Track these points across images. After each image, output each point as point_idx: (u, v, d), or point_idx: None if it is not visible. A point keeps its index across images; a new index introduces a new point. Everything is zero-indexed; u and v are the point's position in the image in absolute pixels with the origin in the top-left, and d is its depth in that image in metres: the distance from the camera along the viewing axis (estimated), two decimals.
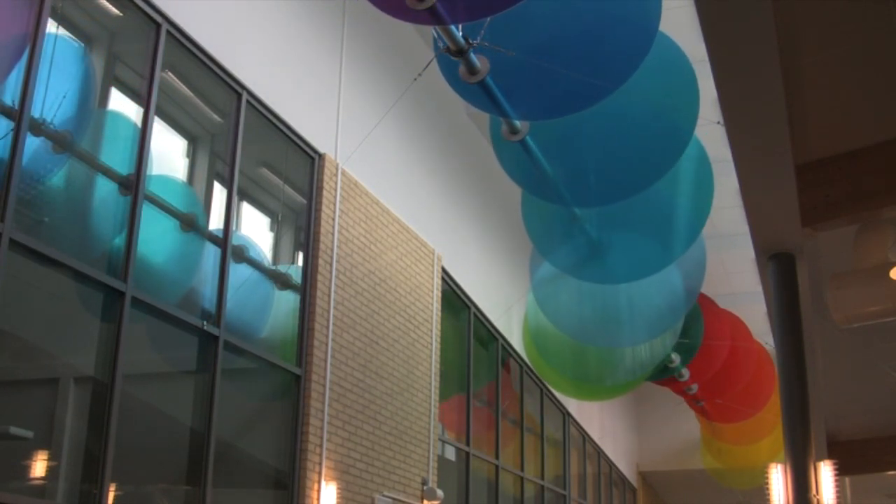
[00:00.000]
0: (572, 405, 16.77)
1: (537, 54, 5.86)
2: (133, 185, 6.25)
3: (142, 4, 6.43)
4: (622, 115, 6.48)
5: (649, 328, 9.10)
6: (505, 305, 12.71)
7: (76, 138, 5.97)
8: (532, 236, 8.37)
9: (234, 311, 7.23)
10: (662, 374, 11.61)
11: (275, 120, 7.89)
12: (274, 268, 8.11)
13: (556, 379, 11.30)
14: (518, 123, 6.09)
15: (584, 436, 17.83)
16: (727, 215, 15.61)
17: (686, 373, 11.79)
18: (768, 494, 7.47)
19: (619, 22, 5.88)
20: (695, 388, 12.54)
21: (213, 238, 7.18)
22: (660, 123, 6.68)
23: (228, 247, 7.19)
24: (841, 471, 7.46)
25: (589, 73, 5.75)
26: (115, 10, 6.47)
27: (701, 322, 11.03)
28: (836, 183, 6.50)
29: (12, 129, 5.32)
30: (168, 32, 6.66)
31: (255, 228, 8.18)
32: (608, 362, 9.99)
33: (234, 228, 7.42)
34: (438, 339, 10.47)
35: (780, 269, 7.47)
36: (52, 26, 5.75)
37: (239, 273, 7.45)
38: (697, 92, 6.55)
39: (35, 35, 5.52)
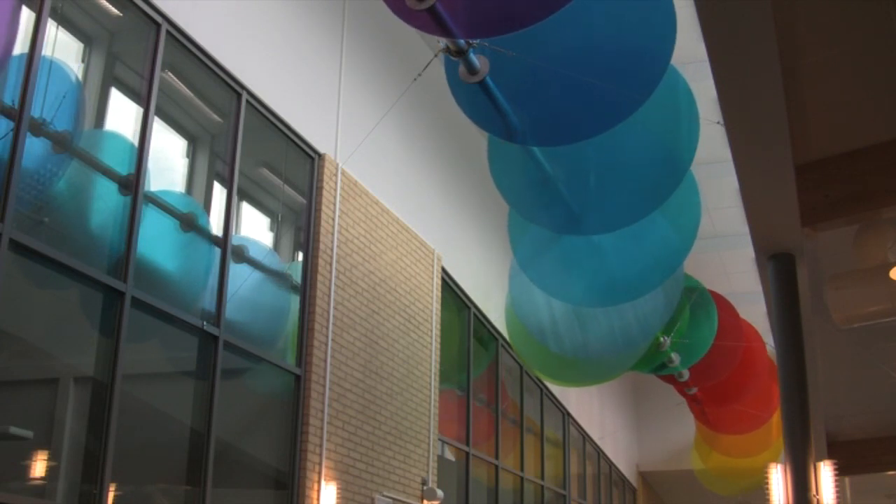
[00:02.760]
0: (572, 405, 16.78)
1: (547, 73, 5.84)
2: (133, 185, 6.26)
3: (142, 4, 6.43)
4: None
5: (641, 284, 8.69)
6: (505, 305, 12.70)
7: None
8: (507, 197, 7.90)
9: (235, 310, 7.23)
10: (660, 371, 11.54)
11: (275, 120, 7.89)
12: (274, 268, 8.11)
13: (539, 362, 11.02)
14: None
15: (584, 436, 17.83)
16: (727, 215, 15.62)
17: (686, 374, 11.76)
18: (768, 494, 7.47)
19: (631, 48, 5.83)
20: (694, 389, 12.52)
21: (213, 238, 7.19)
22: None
23: (228, 247, 7.19)
24: (841, 471, 7.45)
25: (601, 97, 5.73)
26: (115, 10, 6.47)
27: (712, 326, 10.86)
28: (836, 183, 6.50)
29: (12, 129, 5.32)
30: (168, 32, 6.66)
31: (255, 228, 8.18)
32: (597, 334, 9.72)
33: (234, 229, 7.42)
34: (438, 339, 10.47)
35: (780, 269, 7.47)
36: (51, 30, 5.75)
37: (239, 273, 7.45)
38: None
39: (35, 35, 5.52)
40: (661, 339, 10.36)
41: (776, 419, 13.40)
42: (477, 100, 6.03)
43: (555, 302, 8.75)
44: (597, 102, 5.85)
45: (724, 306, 11.22)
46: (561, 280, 8.18)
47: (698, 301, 10.72)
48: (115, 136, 6.46)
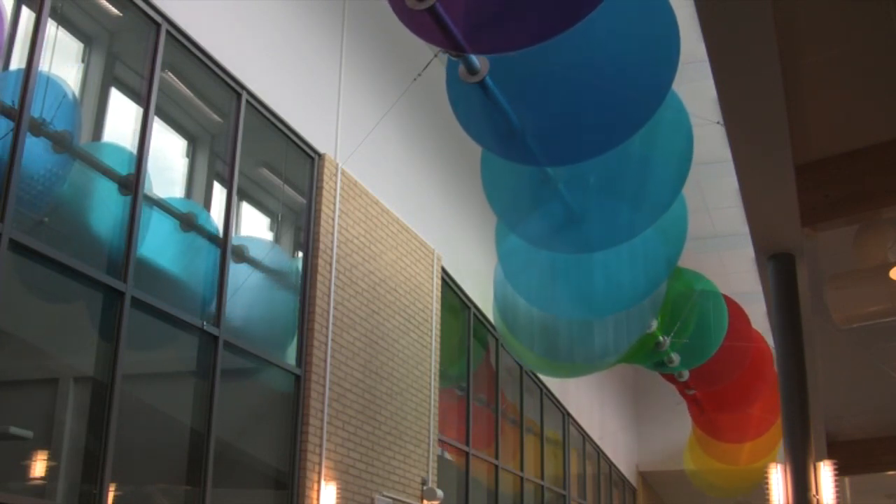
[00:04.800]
0: (572, 405, 16.77)
1: (552, 95, 5.83)
2: (133, 185, 6.26)
3: (142, 4, 6.43)
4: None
5: (625, 298, 8.57)
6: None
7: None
8: (495, 205, 7.75)
9: (235, 310, 7.23)
10: (660, 369, 11.48)
11: (275, 120, 7.89)
12: (275, 266, 8.11)
13: (527, 355, 10.85)
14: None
15: (584, 436, 17.83)
16: (727, 215, 15.61)
17: (686, 374, 11.73)
18: (768, 494, 7.46)
19: (632, 69, 5.79)
20: (693, 391, 12.48)
21: (213, 238, 7.19)
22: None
23: (228, 247, 7.19)
24: (841, 471, 7.45)
25: (605, 116, 5.72)
26: (115, 10, 6.47)
27: (721, 332, 10.72)
28: (836, 183, 6.49)
29: (12, 129, 5.32)
30: (168, 32, 6.66)
31: (255, 228, 8.18)
32: (578, 339, 9.59)
33: (234, 229, 7.42)
34: (438, 339, 10.47)
35: (780, 269, 7.46)
36: (51, 30, 5.75)
37: (241, 272, 7.45)
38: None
39: (35, 35, 5.52)
40: (661, 338, 10.34)
41: (772, 433, 13.38)
42: (475, 111, 6.00)
43: (534, 311, 8.67)
44: (599, 119, 5.84)
45: (738, 314, 11.09)
46: (545, 292, 8.11)
47: (710, 305, 10.61)
48: (114, 147, 6.44)
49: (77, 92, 6.27)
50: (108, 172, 6.20)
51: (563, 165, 6.51)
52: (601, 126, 5.86)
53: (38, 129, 5.58)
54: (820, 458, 7.29)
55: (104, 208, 6.25)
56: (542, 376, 14.73)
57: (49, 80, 5.65)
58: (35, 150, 5.60)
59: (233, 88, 7.40)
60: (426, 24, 5.08)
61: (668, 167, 6.74)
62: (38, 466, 5.63)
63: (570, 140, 6.04)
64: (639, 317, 8.81)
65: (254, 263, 7.73)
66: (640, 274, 7.78)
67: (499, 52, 5.54)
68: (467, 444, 11.21)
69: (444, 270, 10.98)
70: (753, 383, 11.93)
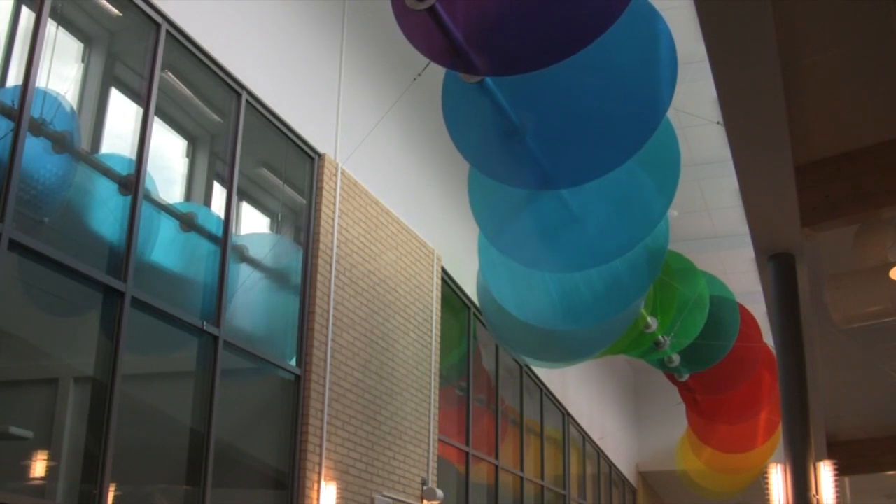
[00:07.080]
0: (572, 405, 16.77)
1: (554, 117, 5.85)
2: (133, 185, 6.26)
3: (142, 4, 6.43)
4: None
5: (607, 308, 8.20)
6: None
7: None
8: (481, 222, 7.59)
9: (234, 310, 7.23)
10: (660, 366, 11.42)
11: (275, 120, 7.89)
12: (274, 264, 8.11)
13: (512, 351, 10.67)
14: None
15: (584, 436, 17.83)
16: (727, 215, 15.62)
17: (685, 374, 11.71)
18: (768, 494, 7.47)
19: (629, 93, 5.80)
20: (692, 391, 12.46)
21: (213, 238, 7.18)
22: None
23: (228, 246, 7.19)
24: (841, 471, 7.46)
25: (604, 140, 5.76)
26: (115, 10, 6.47)
27: (729, 339, 10.61)
28: (836, 183, 6.50)
29: (12, 129, 5.32)
30: (168, 32, 6.66)
31: (255, 228, 8.18)
32: (557, 338, 9.41)
33: (234, 229, 7.42)
34: (438, 339, 10.47)
35: (780, 269, 7.47)
36: (51, 30, 5.75)
37: (243, 272, 7.45)
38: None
39: (35, 35, 5.52)
40: (661, 338, 10.33)
41: (765, 447, 13.36)
42: (471, 121, 5.99)
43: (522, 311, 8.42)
44: (599, 139, 5.85)
45: (750, 325, 11.03)
46: (522, 294, 8.00)
47: (723, 312, 10.55)
48: (114, 158, 6.43)
49: (77, 92, 6.27)
50: (108, 173, 6.20)
51: (560, 188, 6.48)
52: (601, 145, 5.86)
53: (38, 129, 5.58)
54: (820, 458, 7.30)
55: (104, 208, 6.25)
56: (542, 376, 14.75)
57: (46, 95, 5.64)
58: (35, 151, 5.60)
59: (233, 88, 7.40)
60: (426, 28, 5.03)
61: (656, 182, 6.74)
62: (38, 466, 5.62)
63: (570, 157, 6.02)
64: (621, 318, 8.72)
65: (254, 262, 7.73)
66: (624, 281, 7.70)
67: (500, 74, 5.54)
68: (467, 444, 11.21)
69: (444, 270, 10.98)
70: (755, 397, 11.91)
